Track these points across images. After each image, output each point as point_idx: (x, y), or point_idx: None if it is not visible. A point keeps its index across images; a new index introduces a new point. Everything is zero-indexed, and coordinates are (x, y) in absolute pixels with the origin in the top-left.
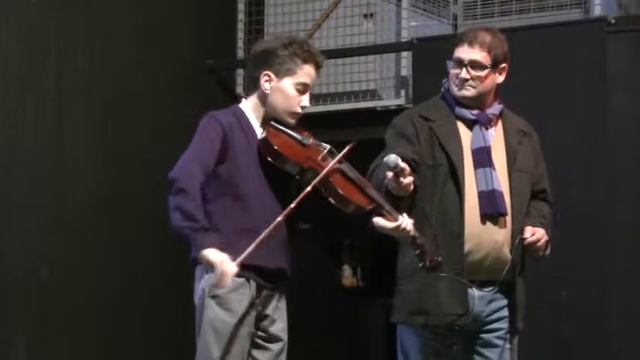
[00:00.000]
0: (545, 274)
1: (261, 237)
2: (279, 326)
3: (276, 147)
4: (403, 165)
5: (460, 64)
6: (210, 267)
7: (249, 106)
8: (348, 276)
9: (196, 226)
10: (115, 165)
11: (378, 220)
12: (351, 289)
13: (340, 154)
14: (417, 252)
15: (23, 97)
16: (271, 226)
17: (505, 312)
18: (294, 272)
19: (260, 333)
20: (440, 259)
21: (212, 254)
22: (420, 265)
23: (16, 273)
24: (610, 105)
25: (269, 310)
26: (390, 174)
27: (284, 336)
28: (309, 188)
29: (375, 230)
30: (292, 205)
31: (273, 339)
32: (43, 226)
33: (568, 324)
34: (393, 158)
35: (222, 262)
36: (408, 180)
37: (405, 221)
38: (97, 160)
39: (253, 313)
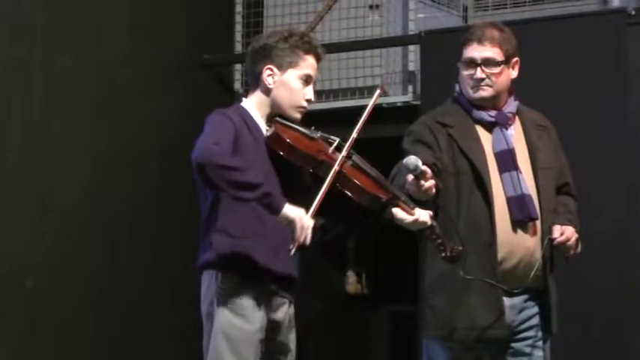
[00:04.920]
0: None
1: (321, 191)
2: (289, 336)
3: (288, 140)
4: (424, 168)
5: (473, 63)
6: (288, 225)
7: (252, 104)
8: (352, 282)
9: (264, 191)
10: (106, 164)
11: (397, 212)
12: (355, 295)
13: (348, 144)
14: (438, 242)
15: (9, 94)
16: (324, 188)
17: (535, 320)
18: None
19: (270, 342)
20: (461, 249)
21: (290, 211)
22: (442, 255)
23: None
24: (629, 100)
25: (280, 318)
26: (410, 177)
27: (293, 346)
28: (329, 178)
29: (390, 223)
30: (321, 194)
31: (283, 349)
32: (30, 227)
33: (593, 326)
34: (412, 160)
35: (302, 217)
36: (429, 183)
37: (422, 213)
38: (86, 158)
39: (265, 320)
